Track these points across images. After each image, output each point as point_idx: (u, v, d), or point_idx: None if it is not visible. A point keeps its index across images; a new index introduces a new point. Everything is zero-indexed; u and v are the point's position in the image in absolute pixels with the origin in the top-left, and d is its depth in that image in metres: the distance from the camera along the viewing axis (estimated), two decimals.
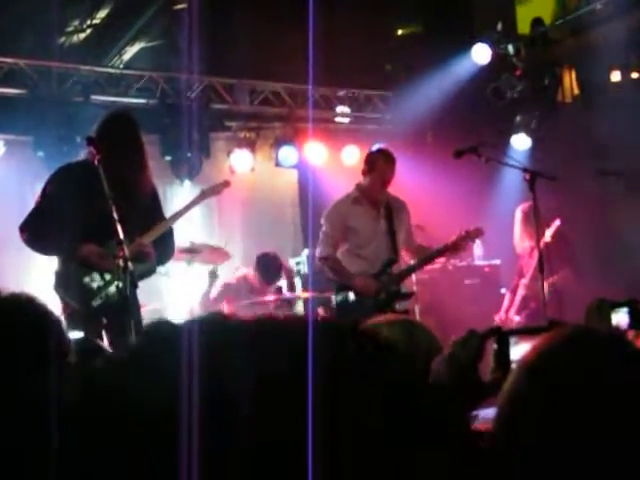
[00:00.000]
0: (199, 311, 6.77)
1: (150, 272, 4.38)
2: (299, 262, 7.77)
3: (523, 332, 1.41)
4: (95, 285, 4.15)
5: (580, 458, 0.95)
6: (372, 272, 5.50)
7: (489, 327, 1.42)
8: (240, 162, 8.12)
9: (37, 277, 6.06)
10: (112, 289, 4.12)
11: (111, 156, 4.07)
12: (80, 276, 4.14)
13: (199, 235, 6.91)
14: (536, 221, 5.25)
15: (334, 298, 5.65)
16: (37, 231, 4.15)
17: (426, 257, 5.75)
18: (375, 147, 5.84)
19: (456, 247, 5.69)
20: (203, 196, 4.98)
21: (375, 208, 5.64)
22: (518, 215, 6.52)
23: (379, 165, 5.57)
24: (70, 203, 4.09)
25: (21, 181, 6.76)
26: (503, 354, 1.37)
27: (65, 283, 4.17)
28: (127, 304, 3.83)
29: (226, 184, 5.20)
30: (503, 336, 1.39)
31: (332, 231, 5.53)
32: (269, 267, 6.95)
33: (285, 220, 8.81)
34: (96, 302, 4.13)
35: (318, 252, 5.55)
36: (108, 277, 4.15)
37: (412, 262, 5.74)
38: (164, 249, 4.44)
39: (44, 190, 4.24)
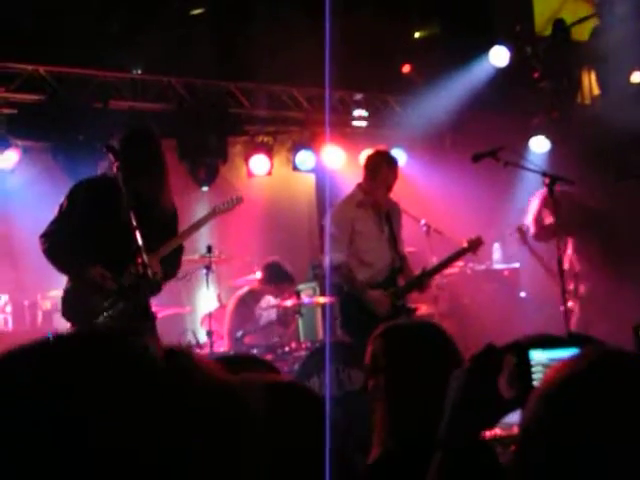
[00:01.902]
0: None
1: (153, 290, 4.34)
2: (316, 267, 7.75)
3: (543, 346, 1.37)
4: (100, 307, 4.13)
5: None
6: (378, 280, 5.37)
7: (509, 342, 1.39)
8: (257, 166, 8.12)
9: (57, 286, 6.08)
10: (116, 310, 4.10)
11: (133, 174, 4.07)
12: (86, 297, 4.13)
13: (215, 240, 6.91)
14: (556, 227, 5.19)
15: (340, 306, 5.55)
16: (55, 245, 4.15)
17: (432, 269, 5.65)
18: (375, 150, 5.65)
19: (458, 258, 5.77)
20: (214, 214, 4.89)
21: (378, 213, 5.50)
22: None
23: (382, 171, 5.42)
24: (84, 221, 4.10)
25: (40, 187, 6.78)
26: (523, 370, 1.34)
27: (72, 303, 4.18)
28: (143, 317, 3.84)
29: (239, 200, 5.11)
30: (523, 351, 1.36)
31: (341, 235, 5.35)
32: (272, 271, 6.94)
33: (302, 224, 8.80)
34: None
35: (330, 259, 5.32)
36: (111, 299, 4.13)
37: (416, 275, 5.55)
38: (170, 266, 4.41)
39: (61, 206, 4.23)
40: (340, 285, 5.45)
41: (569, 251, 6.37)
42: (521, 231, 6.43)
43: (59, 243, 4.14)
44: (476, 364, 1.37)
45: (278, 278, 6.89)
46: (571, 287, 6.19)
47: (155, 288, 4.17)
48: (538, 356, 1.35)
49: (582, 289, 6.26)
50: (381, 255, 5.43)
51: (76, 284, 4.17)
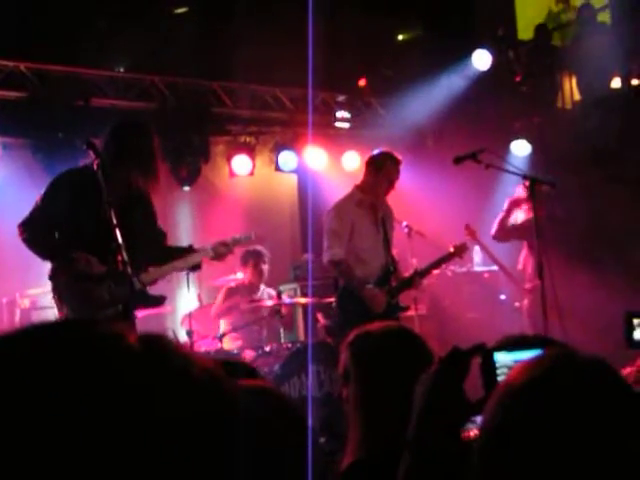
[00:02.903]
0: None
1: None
2: (297, 267, 7.75)
3: (508, 348, 1.38)
4: (92, 294, 4.08)
5: None
6: (372, 279, 5.45)
7: (473, 344, 1.40)
8: (240, 166, 8.11)
9: (35, 284, 6.03)
10: (108, 296, 4.07)
11: (125, 162, 4.06)
12: (77, 284, 4.08)
13: (196, 240, 6.88)
14: (536, 229, 5.22)
15: (336, 302, 5.61)
16: (34, 232, 4.12)
17: (424, 270, 5.76)
18: (378, 150, 5.76)
19: (445, 261, 5.93)
20: (230, 245, 4.67)
21: (374, 213, 5.59)
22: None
23: (387, 166, 5.53)
24: (67, 209, 4.07)
25: (20, 184, 6.73)
26: (488, 372, 1.35)
27: (61, 291, 4.12)
28: (128, 309, 3.82)
29: (257, 237, 5.02)
30: (487, 353, 1.37)
31: (342, 230, 5.42)
32: (241, 256, 6.98)
33: (284, 225, 8.80)
34: (94, 311, 4.06)
35: (330, 254, 5.38)
36: (105, 284, 4.08)
37: (408, 275, 5.70)
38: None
39: (44, 193, 4.20)
40: (336, 281, 5.54)
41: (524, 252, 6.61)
42: (469, 229, 6.72)
43: (39, 229, 4.10)
44: (442, 367, 1.37)
45: (244, 257, 6.93)
46: (527, 286, 6.43)
47: (150, 300, 4.19)
48: (502, 358, 1.36)
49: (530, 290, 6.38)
50: (377, 255, 5.52)
51: (63, 272, 4.11)
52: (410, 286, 5.65)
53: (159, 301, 4.29)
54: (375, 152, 5.72)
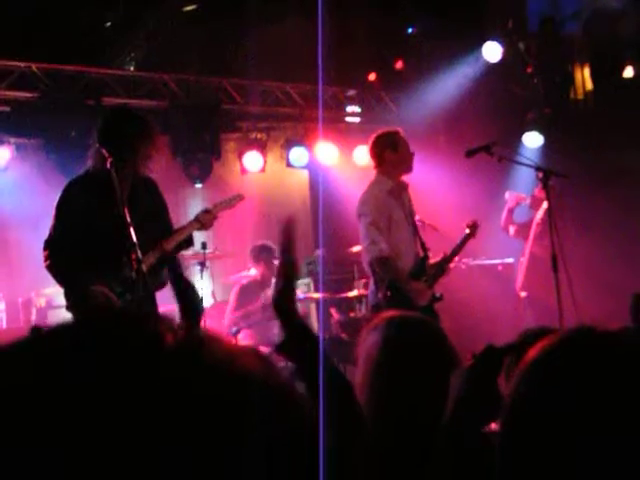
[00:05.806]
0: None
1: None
2: (310, 262, 7.76)
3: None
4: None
5: (580, 456, 0.93)
6: (408, 270, 5.19)
7: (508, 342, 1.42)
8: (251, 163, 8.11)
9: (51, 283, 6.05)
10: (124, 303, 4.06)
11: (122, 156, 4.05)
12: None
13: (209, 237, 6.91)
14: (549, 219, 5.20)
15: (384, 299, 5.35)
16: (54, 259, 4.05)
17: (451, 255, 5.52)
18: (376, 134, 5.54)
19: (465, 244, 5.78)
20: (215, 210, 4.69)
21: (400, 197, 5.28)
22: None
23: (401, 142, 5.31)
24: (81, 216, 4.04)
25: (34, 184, 6.78)
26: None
27: (77, 304, 4.10)
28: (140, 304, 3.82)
29: (239, 198, 4.99)
30: (520, 351, 1.38)
31: (381, 222, 5.07)
32: (252, 253, 7.06)
33: (296, 220, 8.79)
34: None
35: (378, 250, 4.97)
36: (120, 294, 4.07)
37: (437, 262, 5.44)
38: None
39: (56, 211, 4.14)
40: (379, 279, 5.11)
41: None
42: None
43: (59, 254, 4.03)
44: (477, 363, 1.40)
45: (255, 254, 7.00)
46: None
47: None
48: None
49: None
50: (410, 245, 5.25)
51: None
52: (443, 273, 5.40)
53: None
54: (375, 137, 5.44)
